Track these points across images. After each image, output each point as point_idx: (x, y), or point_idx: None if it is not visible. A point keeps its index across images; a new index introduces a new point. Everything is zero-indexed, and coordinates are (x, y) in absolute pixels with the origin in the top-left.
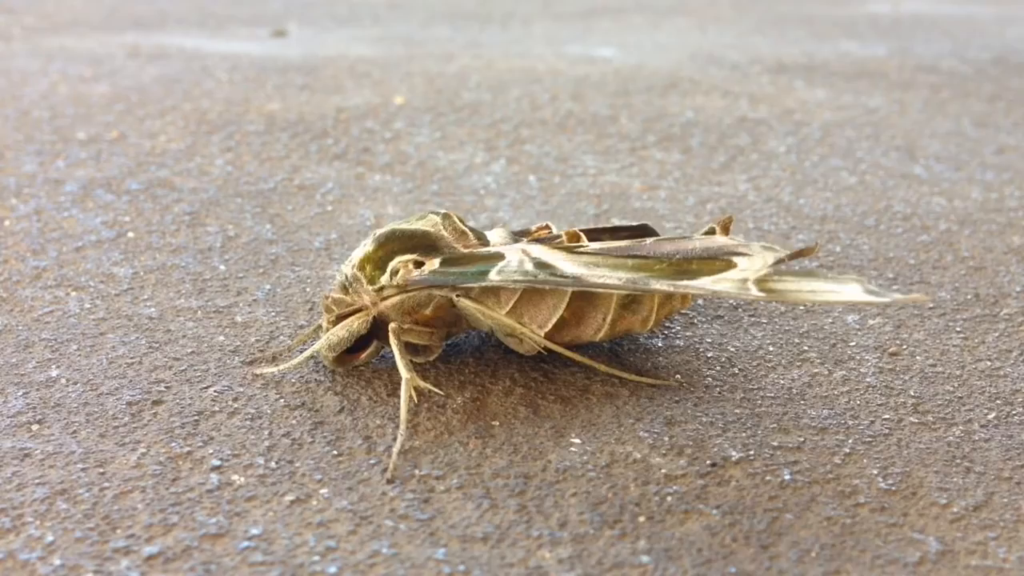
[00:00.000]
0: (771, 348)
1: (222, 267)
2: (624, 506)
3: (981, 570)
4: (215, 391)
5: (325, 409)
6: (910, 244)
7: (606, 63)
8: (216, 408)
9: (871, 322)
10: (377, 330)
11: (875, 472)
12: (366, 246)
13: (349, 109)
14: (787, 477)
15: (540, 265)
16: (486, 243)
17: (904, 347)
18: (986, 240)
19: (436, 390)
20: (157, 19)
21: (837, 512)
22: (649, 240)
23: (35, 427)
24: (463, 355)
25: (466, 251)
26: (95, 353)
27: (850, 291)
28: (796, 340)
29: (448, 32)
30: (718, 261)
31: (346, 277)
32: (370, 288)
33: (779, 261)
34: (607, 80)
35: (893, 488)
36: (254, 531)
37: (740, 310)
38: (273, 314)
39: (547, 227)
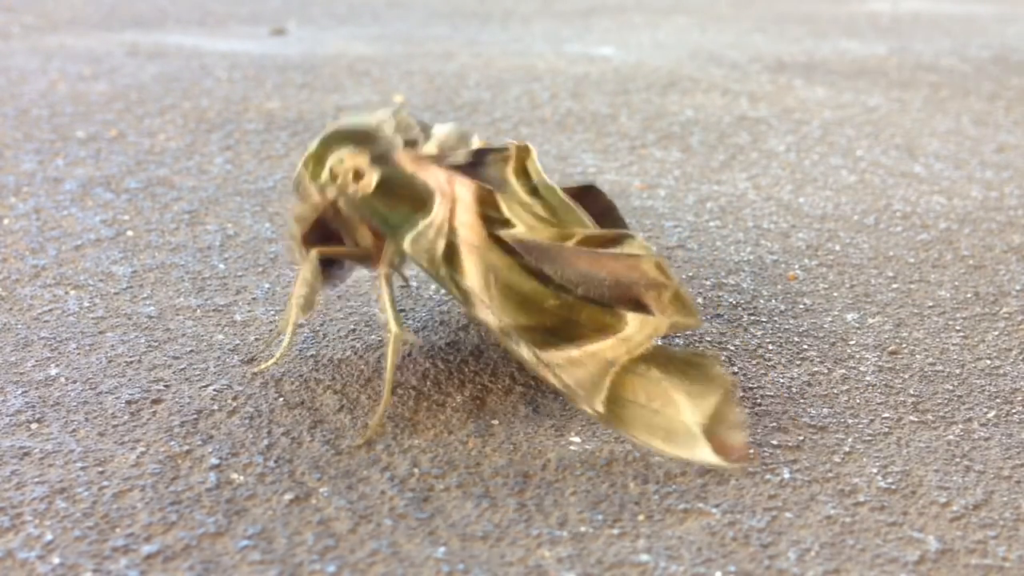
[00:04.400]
0: (771, 347)
1: (221, 266)
2: (624, 505)
3: (981, 569)
4: (214, 390)
5: (324, 408)
6: (910, 243)
7: (606, 62)
8: (215, 407)
9: (871, 321)
10: (335, 222)
11: (875, 471)
12: (313, 144)
13: (348, 108)
14: (787, 476)
15: (448, 256)
16: (428, 136)
17: (904, 346)
18: (986, 239)
19: (421, 342)
20: (156, 17)
21: (837, 511)
22: (575, 239)
23: (34, 426)
24: (462, 354)
25: (400, 170)
26: (94, 352)
27: (685, 435)
28: (796, 339)
29: (447, 31)
30: (608, 315)
31: (296, 178)
32: (312, 184)
33: (674, 329)
34: (607, 79)
35: (893, 487)
36: (253, 530)
37: (740, 308)
38: (272, 313)
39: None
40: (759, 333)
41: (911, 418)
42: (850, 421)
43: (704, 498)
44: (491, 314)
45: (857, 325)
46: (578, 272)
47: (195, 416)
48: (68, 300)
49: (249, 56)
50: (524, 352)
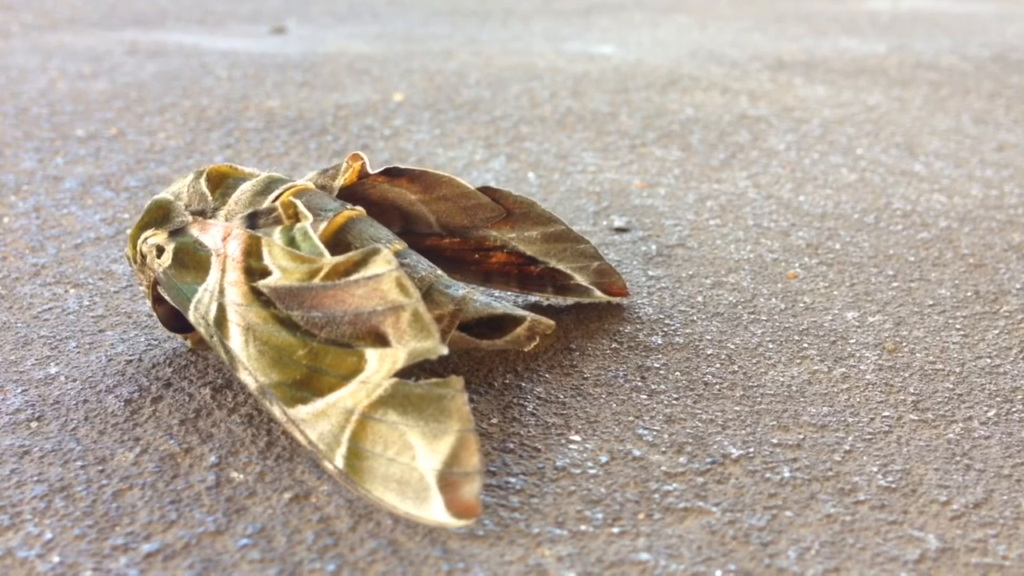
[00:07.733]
0: (771, 345)
1: None
2: (623, 504)
3: (981, 568)
4: (214, 388)
5: None
6: (910, 241)
7: (606, 60)
8: (215, 405)
9: (871, 319)
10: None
11: (875, 469)
12: (131, 228)
13: (348, 106)
14: (787, 474)
15: (218, 319)
16: (221, 204)
17: (904, 344)
18: (986, 237)
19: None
20: (156, 16)
21: (837, 509)
22: (323, 271)
23: (34, 424)
24: (456, 354)
25: (190, 239)
26: (94, 350)
27: (418, 481)
28: (796, 337)
29: (447, 29)
30: (351, 356)
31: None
32: (135, 265)
33: (413, 357)
34: (607, 77)
35: (893, 485)
36: (253, 528)
37: (739, 307)
38: None
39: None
40: (759, 331)
41: (911, 416)
42: (850, 419)
43: (704, 497)
44: (249, 374)
45: (857, 323)
46: (323, 312)
47: (195, 414)
48: (68, 298)
49: (249, 54)
50: (275, 411)
